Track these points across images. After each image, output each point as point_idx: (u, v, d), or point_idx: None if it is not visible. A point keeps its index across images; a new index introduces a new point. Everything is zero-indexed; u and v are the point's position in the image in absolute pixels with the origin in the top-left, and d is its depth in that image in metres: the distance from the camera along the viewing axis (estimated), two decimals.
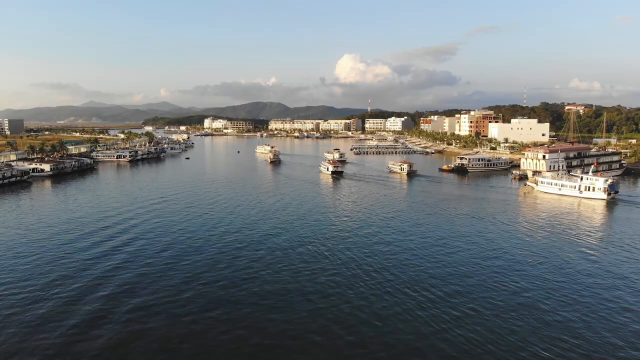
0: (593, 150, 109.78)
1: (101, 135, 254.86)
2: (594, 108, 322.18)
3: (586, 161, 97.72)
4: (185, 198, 76.56)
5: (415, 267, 41.08)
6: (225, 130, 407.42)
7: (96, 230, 56.41)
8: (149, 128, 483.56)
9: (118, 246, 49.03)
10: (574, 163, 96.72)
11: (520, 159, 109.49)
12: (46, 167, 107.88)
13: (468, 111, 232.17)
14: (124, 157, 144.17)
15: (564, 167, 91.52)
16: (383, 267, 41.23)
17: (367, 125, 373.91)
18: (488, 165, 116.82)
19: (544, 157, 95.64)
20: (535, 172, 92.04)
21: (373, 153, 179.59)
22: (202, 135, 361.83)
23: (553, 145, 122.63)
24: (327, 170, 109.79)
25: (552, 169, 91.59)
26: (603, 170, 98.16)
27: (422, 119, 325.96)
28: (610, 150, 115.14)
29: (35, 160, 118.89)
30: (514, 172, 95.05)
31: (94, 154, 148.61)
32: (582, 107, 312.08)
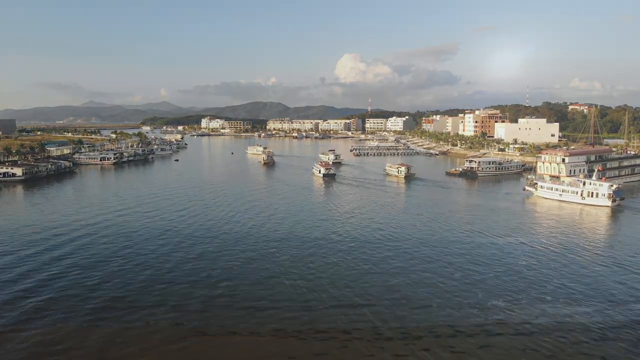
0: (615, 152, 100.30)
1: (93, 136, 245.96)
2: (599, 108, 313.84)
3: (608, 165, 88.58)
4: (151, 208, 68.67)
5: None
6: (222, 130, 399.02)
7: (32, 242, 50.08)
8: (146, 128, 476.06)
9: (41, 266, 42.43)
10: (595, 167, 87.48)
11: (535, 162, 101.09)
12: (18, 171, 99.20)
13: (472, 110, 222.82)
14: (107, 160, 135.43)
15: (586, 172, 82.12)
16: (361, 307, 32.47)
17: (367, 125, 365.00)
18: (499, 168, 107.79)
19: (563, 160, 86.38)
20: (553, 177, 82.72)
21: (374, 154, 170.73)
22: (198, 136, 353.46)
23: (572, 147, 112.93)
24: (319, 172, 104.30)
25: (572, 173, 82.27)
26: (625, 175, 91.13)
27: (424, 118, 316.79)
28: (632, 152, 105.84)
29: (7, 163, 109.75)
30: (529, 177, 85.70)
31: (76, 155, 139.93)
32: (586, 107, 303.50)
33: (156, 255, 45.95)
